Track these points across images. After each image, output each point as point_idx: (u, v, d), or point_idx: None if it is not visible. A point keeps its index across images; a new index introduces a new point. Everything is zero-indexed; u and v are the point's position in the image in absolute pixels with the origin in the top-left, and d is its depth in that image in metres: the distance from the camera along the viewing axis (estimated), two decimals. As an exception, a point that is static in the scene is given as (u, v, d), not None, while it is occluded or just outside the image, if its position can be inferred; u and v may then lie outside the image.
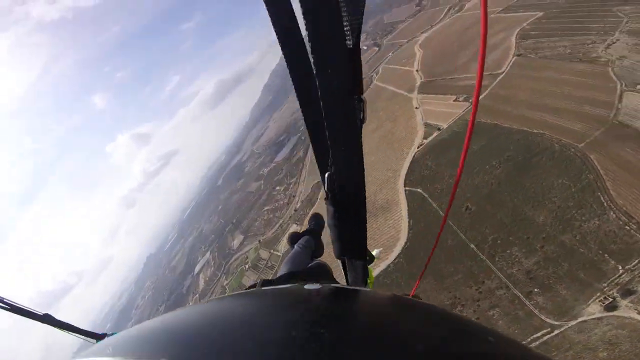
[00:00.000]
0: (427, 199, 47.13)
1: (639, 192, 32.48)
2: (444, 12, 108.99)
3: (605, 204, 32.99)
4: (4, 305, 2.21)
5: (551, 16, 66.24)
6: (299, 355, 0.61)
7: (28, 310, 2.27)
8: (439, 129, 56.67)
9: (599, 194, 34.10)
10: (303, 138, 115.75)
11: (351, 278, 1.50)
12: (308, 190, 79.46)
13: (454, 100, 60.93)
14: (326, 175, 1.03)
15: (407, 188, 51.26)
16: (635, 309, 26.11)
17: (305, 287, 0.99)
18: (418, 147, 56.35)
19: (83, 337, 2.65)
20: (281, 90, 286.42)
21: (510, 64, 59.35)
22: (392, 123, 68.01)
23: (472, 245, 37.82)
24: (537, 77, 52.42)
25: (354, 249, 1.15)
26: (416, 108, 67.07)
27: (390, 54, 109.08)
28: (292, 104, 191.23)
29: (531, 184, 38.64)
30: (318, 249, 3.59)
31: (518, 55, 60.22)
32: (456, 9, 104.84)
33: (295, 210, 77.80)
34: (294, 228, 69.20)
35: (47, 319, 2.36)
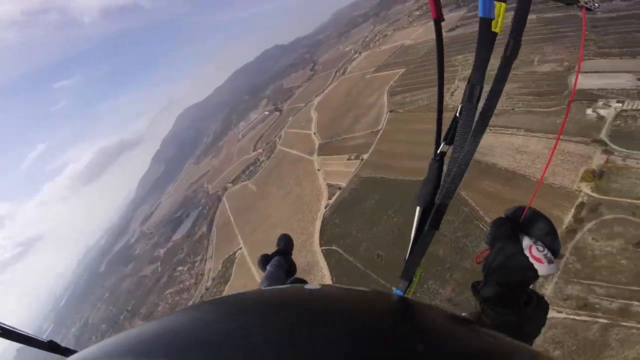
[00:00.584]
0: (343, 254, 49.32)
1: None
2: (332, 76, 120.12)
3: (484, 229, 37.97)
4: (4, 333, 2.09)
5: (410, 72, 78.02)
6: (299, 355, 0.61)
7: (32, 338, 2.19)
8: (339, 188, 60.91)
9: (477, 222, 39.90)
10: (205, 211, 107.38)
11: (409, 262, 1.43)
12: (219, 267, 72.97)
13: (347, 159, 66.33)
14: (442, 144, 1.27)
15: (323, 247, 52.89)
16: (553, 309, 28.73)
17: (306, 287, 1.01)
18: (325, 208, 59.46)
19: None
20: (175, 159, 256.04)
21: (386, 120, 67.78)
22: (300, 187, 71.05)
23: (393, 288, 39.95)
24: (408, 129, 60.58)
25: (438, 210, 1.23)
26: (318, 170, 71.26)
27: (290, 118, 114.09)
28: (190, 174, 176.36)
29: (424, 225, 43.45)
30: (291, 269, 3.67)
31: (390, 112, 68.95)
32: (341, 72, 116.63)
33: (206, 289, 70.93)
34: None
35: (52, 347, 2.24)
